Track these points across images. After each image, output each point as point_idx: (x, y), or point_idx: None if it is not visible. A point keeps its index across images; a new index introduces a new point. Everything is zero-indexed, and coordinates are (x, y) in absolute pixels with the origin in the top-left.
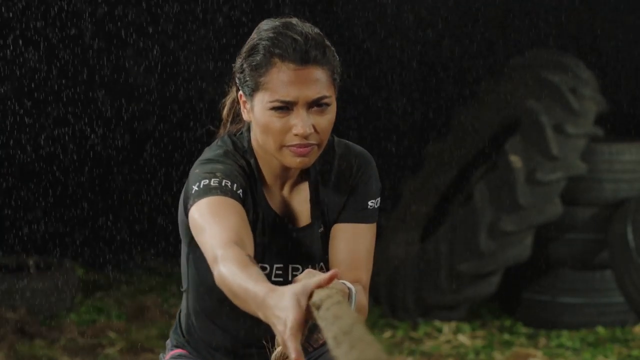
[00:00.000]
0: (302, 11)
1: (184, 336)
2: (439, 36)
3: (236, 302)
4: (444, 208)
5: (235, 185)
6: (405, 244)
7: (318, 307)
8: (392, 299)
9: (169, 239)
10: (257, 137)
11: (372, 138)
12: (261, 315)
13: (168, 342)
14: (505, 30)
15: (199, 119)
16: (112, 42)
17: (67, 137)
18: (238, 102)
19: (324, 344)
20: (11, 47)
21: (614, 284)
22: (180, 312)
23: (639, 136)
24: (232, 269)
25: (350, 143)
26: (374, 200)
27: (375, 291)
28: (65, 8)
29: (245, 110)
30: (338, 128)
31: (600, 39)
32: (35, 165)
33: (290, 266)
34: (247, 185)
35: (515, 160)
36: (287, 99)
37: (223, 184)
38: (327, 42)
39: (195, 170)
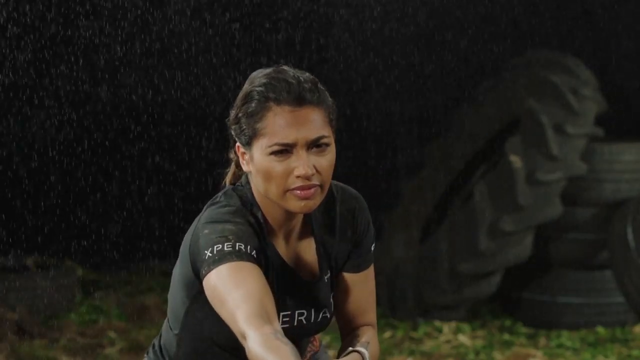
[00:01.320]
0: None
1: None
2: (440, 36)
3: None
4: (444, 208)
5: (249, 247)
6: (405, 244)
7: None
8: (392, 299)
9: (168, 239)
10: (258, 187)
11: (373, 138)
12: None
13: None
14: (505, 30)
15: (198, 121)
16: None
17: (67, 137)
18: (238, 166)
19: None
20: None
21: (614, 284)
22: (161, 344)
23: (639, 136)
24: (259, 355)
25: (344, 185)
26: (374, 243)
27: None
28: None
29: (244, 162)
30: (338, 125)
31: (601, 39)
32: (35, 165)
33: (296, 312)
34: (259, 241)
35: (515, 160)
36: (286, 141)
37: (237, 248)
38: (320, 86)
39: (205, 230)
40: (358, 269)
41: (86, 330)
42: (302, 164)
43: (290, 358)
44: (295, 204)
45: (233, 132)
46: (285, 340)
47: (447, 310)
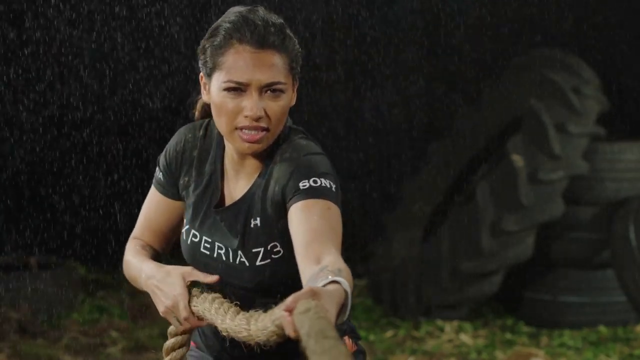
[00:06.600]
0: None
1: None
2: (442, 36)
3: (133, 283)
4: (446, 207)
5: (161, 171)
6: (408, 243)
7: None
8: (394, 298)
9: None
10: (214, 120)
11: (375, 138)
12: (144, 286)
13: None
14: (507, 30)
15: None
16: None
17: (67, 137)
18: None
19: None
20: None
21: (616, 283)
22: None
23: None
24: (128, 258)
25: (299, 140)
26: (306, 180)
27: (377, 290)
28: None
29: (205, 91)
30: (337, 125)
31: (602, 38)
32: (36, 165)
33: (216, 244)
34: (182, 160)
35: (518, 159)
36: (241, 80)
37: (156, 174)
38: (289, 32)
39: None
40: (291, 202)
41: (88, 329)
42: (251, 105)
43: (147, 260)
44: (240, 144)
45: (200, 61)
46: (151, 250)
47: (449, 309)
